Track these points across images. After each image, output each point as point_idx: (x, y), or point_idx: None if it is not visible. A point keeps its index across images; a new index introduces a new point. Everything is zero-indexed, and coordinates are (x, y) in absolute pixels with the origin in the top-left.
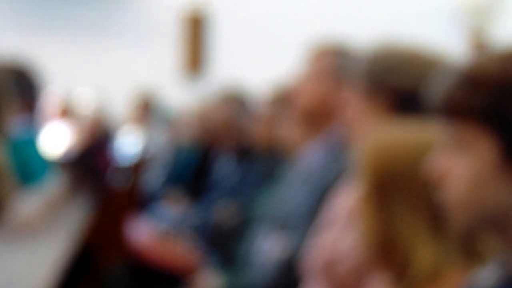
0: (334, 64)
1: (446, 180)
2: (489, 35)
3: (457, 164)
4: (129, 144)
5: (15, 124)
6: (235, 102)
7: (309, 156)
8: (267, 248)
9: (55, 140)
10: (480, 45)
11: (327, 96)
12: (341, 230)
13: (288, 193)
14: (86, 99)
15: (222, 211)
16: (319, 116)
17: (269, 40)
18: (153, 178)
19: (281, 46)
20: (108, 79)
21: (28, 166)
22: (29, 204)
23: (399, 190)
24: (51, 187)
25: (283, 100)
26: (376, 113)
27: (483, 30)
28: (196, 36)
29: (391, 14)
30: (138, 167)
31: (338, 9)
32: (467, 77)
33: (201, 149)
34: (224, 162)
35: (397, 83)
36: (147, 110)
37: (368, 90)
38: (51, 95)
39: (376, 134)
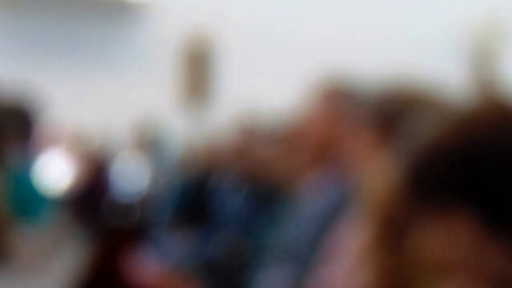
0: (343, 105)
1: (444, 271)
2: (492, 68)
3: (446, 249)
4: (132, 178)
5: (14, 158)
6: (248, 132)
7: (314, 191)
8: (271, 281)
9: (56, 173)
10: (483, 80)
11: (334, 136)
12: (351, 268)
13: (293, 226)
14: (88, 130)
15: (229, 246)
16: (325, 154)
17: (275, 66)
18: (158, 212)
19: (288, 72)
20: (110, 109)
21: (27, 201)
22: (28, 240)
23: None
24: (51, 223)
25: (290, 137)
26: (384, 153)
27: (487, 64)
28: (201, 63)
29: (397, 42)
30: (142, 202)
31: (343, 36)
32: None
33: (204, 178)
34: (231, 192)
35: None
36: (151, 141)
37: (376, 132)
38: (52, 126)
39: (384, 174)
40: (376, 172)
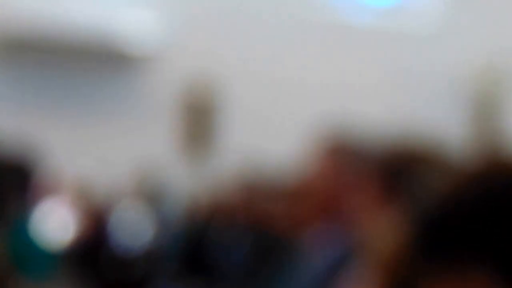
0: (347, 161)
1: None
2: (495, 116)
3: None
4: (133, 229)
5: (15, 213)
6: (251, 185)
7: (318, 245)
8: None
9: (56, 226)
10: (485, 129)
11: (338, 192)
12: None
13: (296, 281)
14: (89, 181)
15: None
16: (329, 209)
17: (278, 115)
18: (161, 263)
19: (291, 122)
20: (112, 160)
21: (27, 256)
22: None
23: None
24: (52, 276)
25: (294, 191)
26: (388, 209)
27: (489, 112)
28: (202, 113)
29: (400, 94)
30: (144, 253)
31: (346, 85)
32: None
33: (206, 229)
34: (234, 244)
35: (410, 186)
36: (152, 191)
37: (381, 188)
38: (52, 178)
39: (390, 231)
40: (382, 229)
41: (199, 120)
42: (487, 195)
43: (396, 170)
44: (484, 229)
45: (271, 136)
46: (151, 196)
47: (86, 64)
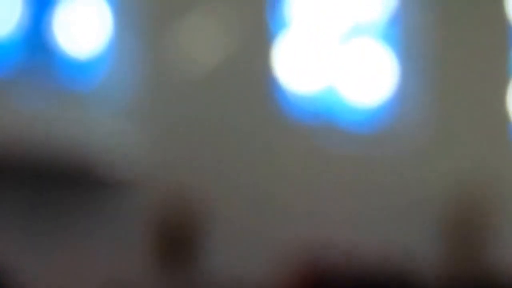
0: None
1: None
2: (476, 248)
3: None
4: None
5: None
6: None
7: None
8: None
9: None
10: (464, 258)
11: None
12: None
13: None
14: None
15: None
16: None
17: (256, 243)
18: None
19: (268, 252)
20: (87, 282)
21: None
22: None
23: None
24: None
25: None
26: None
27: (469, 242)
28: (181, 234)
29: (384, 222)
30: None
31: (330, 214)
32: None
33: None
34: None
35: None
36: None
37: None
38: None
39: None
40: None
41: (176, 243)
42: None
43: None
44: None
45: (250, 261)
46: None
47: (60, 185)
